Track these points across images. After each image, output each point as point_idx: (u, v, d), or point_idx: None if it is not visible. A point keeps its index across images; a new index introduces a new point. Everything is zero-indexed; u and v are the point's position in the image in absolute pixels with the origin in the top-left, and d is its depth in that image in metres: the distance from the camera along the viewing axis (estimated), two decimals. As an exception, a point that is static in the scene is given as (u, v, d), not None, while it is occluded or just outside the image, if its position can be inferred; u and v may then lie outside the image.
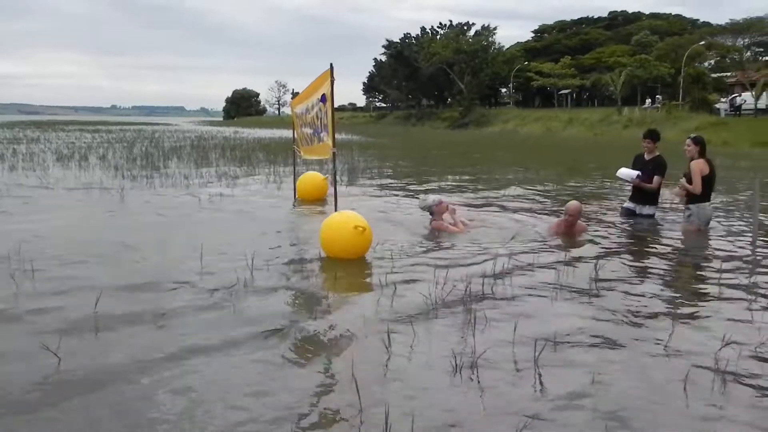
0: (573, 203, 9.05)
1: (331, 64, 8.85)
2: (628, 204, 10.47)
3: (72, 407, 3.75)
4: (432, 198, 9.50)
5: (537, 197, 13.77)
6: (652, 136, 10.16)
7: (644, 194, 10.09)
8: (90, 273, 6.66)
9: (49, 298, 5.76)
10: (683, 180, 9.39)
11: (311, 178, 12.91)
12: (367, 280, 6.76)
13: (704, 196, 9.24)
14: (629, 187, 10.68)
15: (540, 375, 4.21)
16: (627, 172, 10.03)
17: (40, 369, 4.20)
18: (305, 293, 6.20)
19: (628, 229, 9.74)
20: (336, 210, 8.47)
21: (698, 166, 9.17)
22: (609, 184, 16.03)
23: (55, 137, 39.94)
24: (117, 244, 8.15)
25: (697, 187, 9.12)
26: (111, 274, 6.61)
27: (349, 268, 7.17)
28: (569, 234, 8.88)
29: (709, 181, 9.21)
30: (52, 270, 6.72)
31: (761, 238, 8.83)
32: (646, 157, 10.11)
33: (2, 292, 5.92)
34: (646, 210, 10.14)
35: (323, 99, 9.24)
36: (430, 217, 9.40)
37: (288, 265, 7.22)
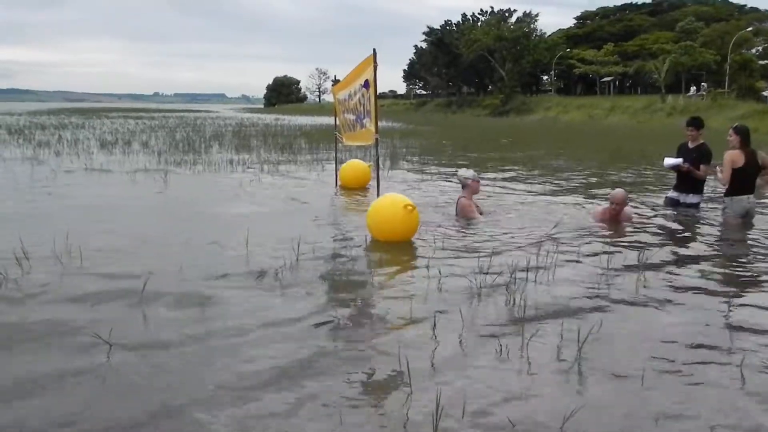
0: (618, 192, 8.93)
1: (374, 50, 8.86)
2: (671, 193, 10.28)
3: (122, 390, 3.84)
4: (471, 172, 9.39)
5: (580, 184, 13.65)
6: (695, 123, 9.95)
7: (689, 183, 9.91)
8: (136, 257, 6.79)
9: (96, 283, 5.86)
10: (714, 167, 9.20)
11: (355, 165, 12.84)
12: (413, 263, 6.80)
13: (736, 189, 8.84)
14: (673, 176, 10.52)
15: (587, 360, 4.20)
16: (673, 161, 9.84)
17: (91, 356, 4.26)
18: (351, 277, 6.25)
19: (673, 218, 9.58)
20: (378, 196, 8.48)
21: (730, 157, 8.77)
22: (653, 172, 15.79)
23: (99, 124, 40.67)
24: (161, 229, 8.32)
25: (725, 178, 8.78)
26: (156, 258, 6.73)
27: (395, 251, 7.22)
28: (614, 222, 8.78)
29: (743, 173, 8.79)
30: (100, 254, 6.83)
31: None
32: (690, 145, 9.90)
33: (50, 277, 6.02)
34: (690, 199, 9.95)
35: (366, 85, 9.25)
36: (462, 190, 9.25)
37: (333, 249, 7.29)
